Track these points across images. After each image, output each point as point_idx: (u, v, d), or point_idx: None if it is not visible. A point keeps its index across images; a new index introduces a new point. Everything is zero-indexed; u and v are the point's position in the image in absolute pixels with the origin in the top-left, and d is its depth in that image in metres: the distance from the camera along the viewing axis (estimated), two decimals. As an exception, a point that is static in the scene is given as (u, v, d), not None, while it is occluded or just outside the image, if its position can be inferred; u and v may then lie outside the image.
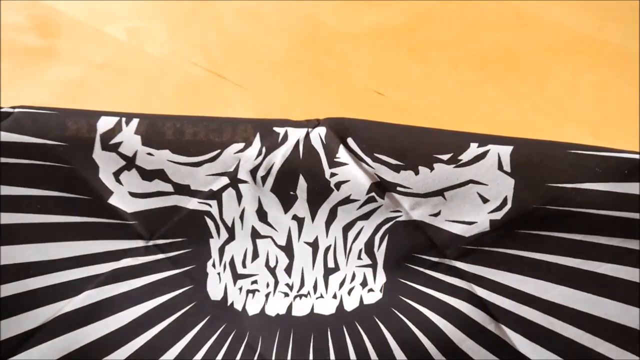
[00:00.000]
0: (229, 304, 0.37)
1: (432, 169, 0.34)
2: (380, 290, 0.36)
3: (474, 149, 0.34)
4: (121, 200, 0.35)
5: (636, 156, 0.33)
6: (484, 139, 0.34)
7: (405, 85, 0.46)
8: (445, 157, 0.34)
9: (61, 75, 0.46)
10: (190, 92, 0.46)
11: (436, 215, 0.35)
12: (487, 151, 0.33)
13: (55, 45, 0.47)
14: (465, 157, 0.34)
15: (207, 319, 0.37)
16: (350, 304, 0.36)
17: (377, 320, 0.36)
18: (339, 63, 0.47)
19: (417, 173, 0.34)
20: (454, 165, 0.34)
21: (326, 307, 0.37)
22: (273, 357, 0.36)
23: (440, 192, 0.34)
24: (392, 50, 0.47)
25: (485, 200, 0.34)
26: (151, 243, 0.36)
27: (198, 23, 0.49)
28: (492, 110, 0.45)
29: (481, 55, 0.47)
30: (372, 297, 0.36)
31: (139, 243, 0.36)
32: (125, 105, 0.45)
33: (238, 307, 0.37)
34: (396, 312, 0.36)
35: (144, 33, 0.48)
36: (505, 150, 0.33)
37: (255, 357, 0.36)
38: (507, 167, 0.33)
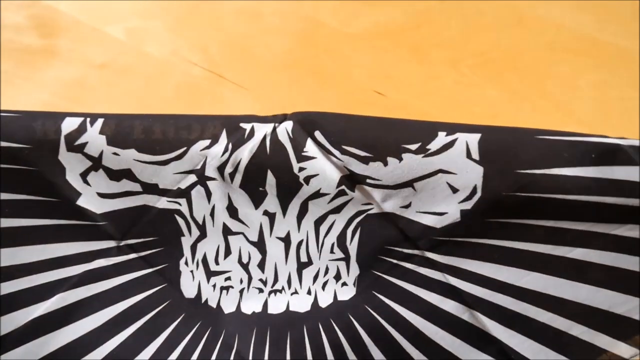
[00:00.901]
0: (203, 301, 0.37)
1: (400, 159, 0.34)
2: (354, 284, 0.36)
3: (442, 138, 0.34)
4: (90, 201, 0.35)
5: (603, 140, 0.33)
6: (452, 128, 0.34)
7: (405, 85, 0.46)
8: (414, 147, 0.34)
9: (61, 75, 0.46)
10: (190, 92, 0.46)
11: (407, 206, 0.35)
12: (455, 139, 0.33)
13: (55, 45, 0.47)
14: (433, 146, 0.34)
15: (181, 317, 0.37)
16: (325, 300, 0.37)
17: (351, 317, 0.36)
18: (339, 63, 0.47)
19: (386, 164, 0.34)
20: (423, 155, 0.34)
21: (301, 304, 0.37)
22: (250, 356, 0.36)
23: (409, 183, 0.34)
24: (392, 50, 0.47)
25: (455, 190, 0.34)
26: (123, 243, 0.36)
27: (198, 23, 0.49)
28: (492, 110, 0.45)
29: (481, 55, 0.47)
30: (346, 293, 0.36)
31: (111, 244, 0.36)
32: (125, 105, 0.45)
33: (212, 304, 0.37)
34: (369, 309, 0.36)
35: (144, 33, 0.48)
36: (473, 138, 0.33)
37: (232, 355, 0.36)
38: (475, 155, 0.33)
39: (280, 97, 0.46)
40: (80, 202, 0.35)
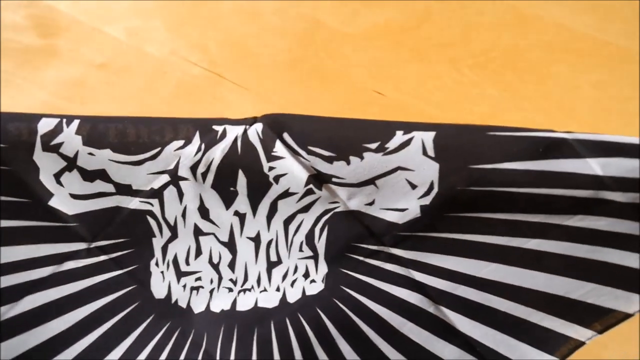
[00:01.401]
0: (172, 301, 0.37)
1: (362, 158, 0.35)
2: (322, 281, 0.37)
3: (399, 137, 0.35)
4: (62, 202, 0.35)
5: (550, 134, 0.34)
6: (409, 127, 0.35)
7: (405, 85, 0.46)
8: (373, 145, 0.35)
9: (61, 75, 0.46)
10: (189, 91, 0.46)
11: (371, 204, 0.36)
12: (412, 138, 0.35)
13: (55, 45, 0.47)
14: (391, 144, 0.35)
15: (151, 317, 0.37)
16: (293, 296, 0.37)
17: (318, 310, 0.37)
18: (339, 63, 0.47)
19: (348, 163, 0.35)
20: (382, 153, 0.35)
21: (270, 300, 0.37)
22: (218, 353, 0.37)
23: (371, 181, 0.35)
24: (392, 50, 0.47)
25: (413, 186, 0.35)
26: (93, 245, 0.36)
27: (198, 23, 0.49)
28: (492, 110, 0.45)
29: (481, 55, 0.47)
30: (314, 288, 0.37)
31: (81, 245, 0.36)
32: (124, 104, 0.45)
33: (182, 304, 0.38)
34: (337, 302, 0.37)
35: (144, 33, 0.48)
36: (428, 136, 0.34)
37: (201, 354, 0.37)
38: (430, 152, 0.34)
39: (280, 97, 0.46)
40: (52, 202, 0.35)
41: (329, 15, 0.49)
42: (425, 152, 0.34)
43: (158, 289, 0.37)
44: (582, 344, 0.36)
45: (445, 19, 0.48)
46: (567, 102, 0.45)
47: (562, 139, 0.33)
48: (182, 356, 0.37)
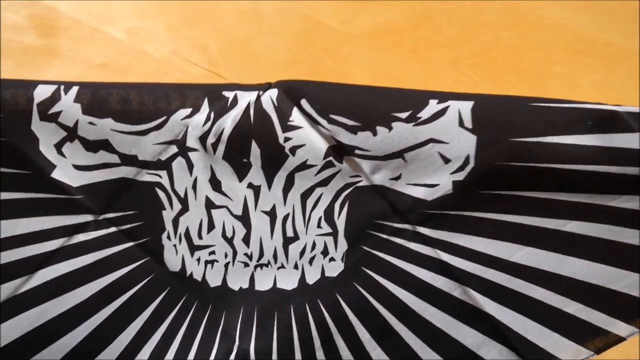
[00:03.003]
0: (187, 274, 0.36)
1: (390, 128, 0.32)
2: (342, 260, 0.35)
3: (433, 106, 0.32)
4: (65, 173, 0.34)
5: (600, 107, 0.31)
6: (444, 95, 0.32)
7: (405, 85, 0.46)
8: (404, 115, 0.32)
9: (61, 75, 0.46)
10: (190, 92, 0.46)
11: (397, 178, 0.34)
12: (447, 107, 0.32)
13: (55, 45, 0.47)
14: (424, 114, 0.32)
15: (166, 290, 0.36)
16: (312, 277, 0.36)
17: (337, 296, 0.35)
18: (339, 63, 0.47)
19: (375, 134, 0.32)
20: (413, 124, 0.32)
21: (288, 280, 0.36)
22: (237, 338, 0.36)
23: (400, 154, 0.33)
24: (392, 50, 0.47)
25: (447, 161, 0.33)
26: (102, 217, 0.35)
27: (198, 23, 0.49)
28: (492, 110, 0.45)
29: (481, 55, 0.47)
30: (334, 269, 0.36)
31: (88, 217, 0.35)
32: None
33: (197, 277, 0.36)
34: (356, 286, 0.35)
35: (144, 33, 0.48)
36: (466, 106, 0.32)
37: (219, 333, 0.36)
38: (468, 123, 0.32)
39: (280, 97, 0.46)
40: (55, 174, 0.34)
41: (329, 15, 0.49)
42: (461, 123, 0.32)
43: (172, 262, 0.36)
44: (622, 339, 0.33)
45: (445, 19, 0.48)
46: (567, 102, 0.45)
47: (613, 112, 0.31)
48: (200, 331, 0.36)
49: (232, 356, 0.35)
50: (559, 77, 0.46)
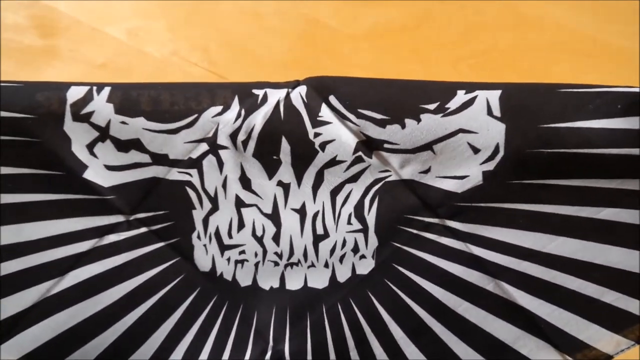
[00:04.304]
0: (218, 274, 0.36)
1: (419, 120, 0.32)
2: (373, 257, 0.35)
3: (461, 96, 0.32)
4: (97, 174, 0.34)
5: (629, 89, 0.31)
6: (471, 86, 0.33)
7: (405, 85, 0.46)
8: (432, 106, 0.32)
9: (61, 75, 0.46)
10: (190, 92, 0.46)
11: (426, 172, 0.34)
12: (475, 97, 0.32)
13: (55, 45, 0.47)
14: (452, 104, 0.32)
15: (197, 290, 0.36)
16: (343, 275, 0.36)
17: (369, 293, 0.35)
18: (339, 63, 0.47)
19: (403, 126, 0.32)
20: (442, 115, 0.32)
21: (319, 279, 0.36)
22: (270, 338, 0.36)
23: (429, 146, 0.33)
24: (392, 50, 0.47)
25: (476, 151, 0.32)
26: (132, 217, 0.35)
27: (198, 23, 0.49)
28: (492, 111, 0.45)
29: (481, 55, 0.47)
30: (365, 266, 0.35)
31: (120, 218, 0.35)
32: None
33: (228, 277, 0.36)
34: (388, 283, 0.35)
35: (144, 33, 0.48)
36: (494, 95, 0.32)
37: (252, 333, 0.36)
38: (496, 111, 0.32)
39: (280, 97, 0.46)
40: (87, 175, 0.34)
41: (329, 15, 0.49)
42: (490, 112, 0.32)
43: (202, 262, 0.36)
44: None
45: (445, 19, 0.48)
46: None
47: None
48: (233, 332, 0.36)
49: (268, 356, 0.36)
50: (559, 77, 0.46)
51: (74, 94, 0.33)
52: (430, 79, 0.46)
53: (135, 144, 0.34)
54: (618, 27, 0.47)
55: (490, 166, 0.32)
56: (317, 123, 0.33)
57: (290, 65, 0.47)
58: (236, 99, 0.33)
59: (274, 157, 0.34)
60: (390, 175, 0.34)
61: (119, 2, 0.49)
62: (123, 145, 0.34)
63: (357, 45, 0.48)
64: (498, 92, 0.32)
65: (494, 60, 0.47)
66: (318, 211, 0.35)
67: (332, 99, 0.33)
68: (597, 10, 0.48)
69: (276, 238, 0.36)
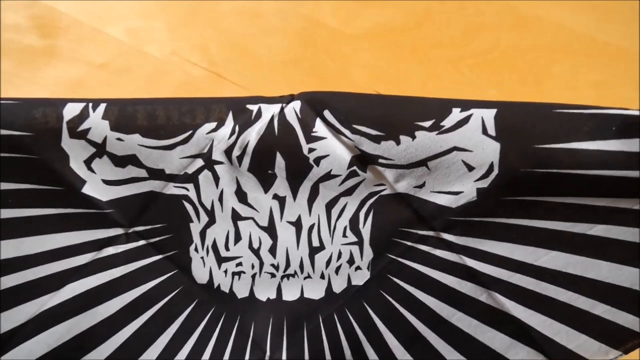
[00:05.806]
0: (215, 287, 0.37)
1: (414, 137, 0.32)
2: (368, 268, 0.36)
3: (456, 114, 0.32)
4: (95, 188, 0.35)
5: (624, 112, 0.31)
6: (466, 104, 0.33)
7: (405, 85, 0.46)
8: (427, 124, 0.32)
9: (61, 75, 0.46)
10: (190, 92, 0.46)
11: (421, 186, 0.34)
12: (470, 115, 0.32)
13: (55, 45, 0.47)
14: (447, 122, 0.32)
15: (194, 302, 0.37)
16: (339, 285, 0.36)
17: (365, 305, 0.36)
18: (339, 63, 0.47)
19: (398, 143, 0.33)
20: (437, 132, 0.32)
21: (315, 290, 0.36)
22: (267, 348, 0.36)
23: (423, 162, 0.33)
24: (392, 50, 0.47)
25: (470, 168, 0.33)
26: (131, 230, 0.36)
27: (198, 23, 0.49)
28: (492, 110, 0.45)
29: (481, 55, 0.47)
30: (360, 277, 0.36)
31: (119, 231, 0.36)
32: (125, 105, 0.45)
33: (225, 289, 0.37)
34: (383, 293, 0.36)
35: (144, 33, 0.48)
36: (489, 114, 0.32)
37: (249, 344, 0.36)
38: (491, 130, 0.32)
39: (280, 97, 0.46)
40: (85, 189, 0.35)
41: (329, 15, 0.49)
42: (485, 131, 0.32)
43: (199, 274, 0.37)
44: None
45: (445, 19, 0.48)
46: (567, 102, 0.45)
47: (637, 117, 0.31)
48: (231, 342, 0.36)
49: None
50: (559, 77, 0.46)
51: (70, 111, 0.33)
52: (430, 79, 0.46)
53: (131, 160, 0.34)
54: (618, 27, 0.47)
55: (485, 184, 0.33)
56: (311, 138, 0.33)
57: (290, 65, 0.47)
58: (230, 115, 0.33)
59: (269, 171, 0.34)
60: (385, 189, 0.35)
61: (119, 2, 0.49)
62: (120, 161, 0.34)
63: (357, 45, 0.48)
64: (493, 111, 0.32)
65: (494, 60, 0.47)
66: (314, 224, 0.36)
67: (327, 114, 0.33)
68: (597, 10, 0.48)
69: (272, 250, 0.36)
